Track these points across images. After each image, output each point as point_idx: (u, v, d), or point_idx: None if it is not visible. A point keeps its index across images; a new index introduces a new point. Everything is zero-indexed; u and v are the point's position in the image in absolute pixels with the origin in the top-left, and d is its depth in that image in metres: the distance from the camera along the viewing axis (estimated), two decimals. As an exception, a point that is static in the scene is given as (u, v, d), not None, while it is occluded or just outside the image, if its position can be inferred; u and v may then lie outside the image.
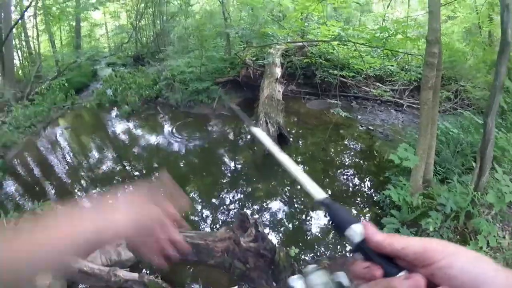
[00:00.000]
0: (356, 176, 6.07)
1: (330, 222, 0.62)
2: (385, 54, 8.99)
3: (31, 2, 10.90)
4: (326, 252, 4.37)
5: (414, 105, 8.76)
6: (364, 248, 0.56)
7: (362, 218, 4.97)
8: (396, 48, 7.51)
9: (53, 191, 6.33)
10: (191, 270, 4.18)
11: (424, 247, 0.50)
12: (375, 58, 8.42)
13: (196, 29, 10.60)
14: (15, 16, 12.25)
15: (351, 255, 4.25)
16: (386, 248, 0.53)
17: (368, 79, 9.70)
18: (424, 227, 3.77)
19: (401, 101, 8.92)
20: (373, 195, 5.47)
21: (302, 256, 4.28)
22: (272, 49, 9.87)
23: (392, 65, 9.13)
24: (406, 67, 9.11)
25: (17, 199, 6.30)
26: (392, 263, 0.54)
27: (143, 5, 15.70)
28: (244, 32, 10.11)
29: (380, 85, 9.58)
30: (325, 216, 3.47)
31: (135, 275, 3.74)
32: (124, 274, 3.76)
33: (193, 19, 11.85)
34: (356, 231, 0.57)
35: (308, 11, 6.83)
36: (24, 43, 15.07)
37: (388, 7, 13.93)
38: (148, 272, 4.14)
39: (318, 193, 0.67)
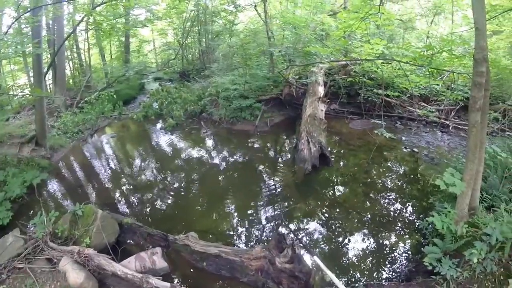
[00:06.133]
0: (399, 200, 5.81)
1: None
2: (430, 72, 8.66)
3: (82, 18, 11.72)
4: (361, 279, 4.21)
5: (460, 126, 8.32)
6: None
7: (402, 246, 4.76)
8: (442, 66, 7.23)
9: (94, 195, 6.65)
10: (223, 285, 4.19)
11: None
12: (420, 76, 8.11)
13: (240, 47, 10.88)
14: (67, 29, 13.25)
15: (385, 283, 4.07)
16: None
17: (413, 98, 9.37)
18: (468, 258, 3.55)
19: (447, 122, 8.50)
20: (415, 221, 5.20)
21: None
22: (315, 67, 9.85)
23: (437, 84, 8.76)
24: (452, 86, 8.71)
25: (60, 199, 6.68)
26: None
27: (189, 23, 16.39)
28: (287, 50, 10.20)
29: (426, 105, 9.21)
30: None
31: (167, 285, 3.83)
32: (156, 282, 3.87)
33: (237, 38, 12.14)
34: None
35: (351, 30, 6.75)
36: (75, 54, 16.35)
37: (431, 23, 13.55)
38: (180, 282, 4.21)
39: None
